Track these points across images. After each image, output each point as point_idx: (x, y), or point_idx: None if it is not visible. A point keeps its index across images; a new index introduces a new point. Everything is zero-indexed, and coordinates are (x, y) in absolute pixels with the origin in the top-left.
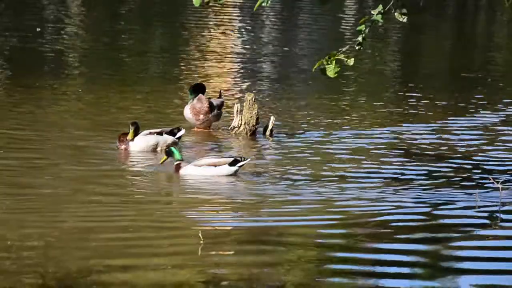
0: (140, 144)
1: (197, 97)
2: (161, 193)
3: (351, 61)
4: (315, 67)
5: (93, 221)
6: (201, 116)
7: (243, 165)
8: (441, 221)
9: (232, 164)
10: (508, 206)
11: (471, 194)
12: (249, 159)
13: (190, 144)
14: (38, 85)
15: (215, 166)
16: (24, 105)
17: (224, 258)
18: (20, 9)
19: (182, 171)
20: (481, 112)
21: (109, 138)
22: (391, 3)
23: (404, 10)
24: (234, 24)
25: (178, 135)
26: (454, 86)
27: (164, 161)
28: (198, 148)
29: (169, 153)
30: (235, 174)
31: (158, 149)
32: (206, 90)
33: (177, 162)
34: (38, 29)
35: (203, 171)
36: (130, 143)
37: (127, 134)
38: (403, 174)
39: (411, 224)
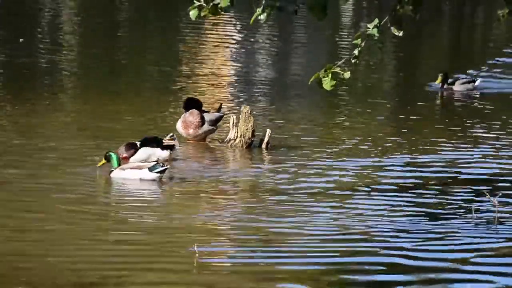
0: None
1: (190, 111)
2: (151, 211)
3: (347, 75)
4: (311, 79)
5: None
6: (191, 131)
7: (162, 171)
8: (439, 236)
9: (151, 169)
10: (504, 222)
11: (467, 211)
12: (168, 166)
13: (184, 155)
14: (30, 95)
15: (138, 169)
16: (16, 116)
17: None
18: (13, 16)
19: (112, 174)
20: (477, 129)
21: (103, 149)
22: (386, 18)
23: (400, 25)
24: (230, 36)
25: (166, 143)
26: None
27: (102, 164)
28: (192, 160)
29: (107, 158)
30: (157, 179)
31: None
32: (204, 103)
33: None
34: (21, 40)
35: (126, 174)
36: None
37: (133, 146)
38: (401, 192)
39: (408, 246)
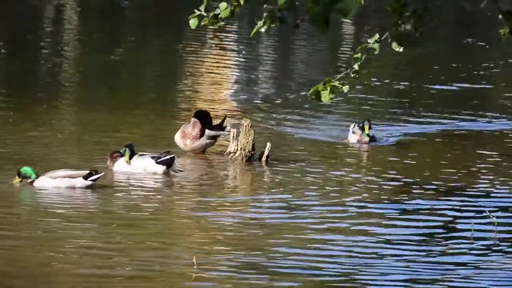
0: (122, 166)
1: (192, 122)
2: (151, 221)
3: (345, 88)
4: (310, 92)
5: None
6: (188, 141)
7: (97, 179)
8: (437, 254)
9: (86, 177)
10: (503, 239)
11: (466, 228)
12: (102, 173)
13: (184, 168)
14: (30, 105)
15: (70, 178)
16: (15, 126)
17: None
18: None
19: (36, 184)
20: (474, 145)
21: (101, 160)
22: (386, 33)
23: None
24: (231, 49)
25: (164, 158)
26: (446, 116)
27: (18, 182)
28: (191, 172)
29: (20, 174)
30: (90, 187)
31: (142, 171)
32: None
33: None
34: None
35: (58, 183)
36: (116, 163)
37: (118, 152)
38: (404, 209)
39: (407, 257)
